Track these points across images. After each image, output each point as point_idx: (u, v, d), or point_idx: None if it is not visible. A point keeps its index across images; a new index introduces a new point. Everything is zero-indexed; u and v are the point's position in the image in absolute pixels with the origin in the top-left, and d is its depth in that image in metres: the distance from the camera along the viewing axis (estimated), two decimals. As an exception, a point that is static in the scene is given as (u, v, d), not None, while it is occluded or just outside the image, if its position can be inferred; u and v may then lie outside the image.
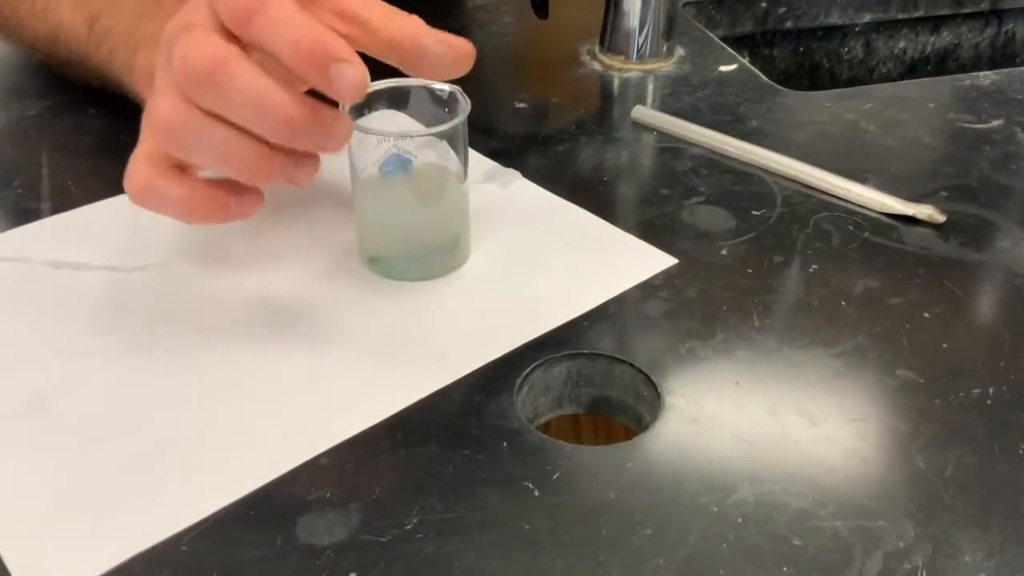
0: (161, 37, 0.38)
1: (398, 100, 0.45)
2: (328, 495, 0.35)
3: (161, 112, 0.36)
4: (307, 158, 0.38)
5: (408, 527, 0.34)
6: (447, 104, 0.45)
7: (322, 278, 0.46)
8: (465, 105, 0.43)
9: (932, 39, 0.94)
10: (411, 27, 0.41)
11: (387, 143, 0.43)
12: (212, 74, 0.35)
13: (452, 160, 0.44)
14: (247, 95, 0.35)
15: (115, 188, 0.53)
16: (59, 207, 0.51)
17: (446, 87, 0.44)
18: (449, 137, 0.43)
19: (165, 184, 0.38)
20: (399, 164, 0.44)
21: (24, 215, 0.51)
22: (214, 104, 0.36)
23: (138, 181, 0.38)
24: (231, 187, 0.39)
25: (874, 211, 0.51)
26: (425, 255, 0.46)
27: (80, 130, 0.59)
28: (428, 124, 0.44)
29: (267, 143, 0.37)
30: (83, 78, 0.59)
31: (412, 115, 0.45)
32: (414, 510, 0.34)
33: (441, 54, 0.39)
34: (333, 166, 0.54)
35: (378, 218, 0.46)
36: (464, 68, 0.40)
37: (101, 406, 0.39)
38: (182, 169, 0.39)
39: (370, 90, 0.43)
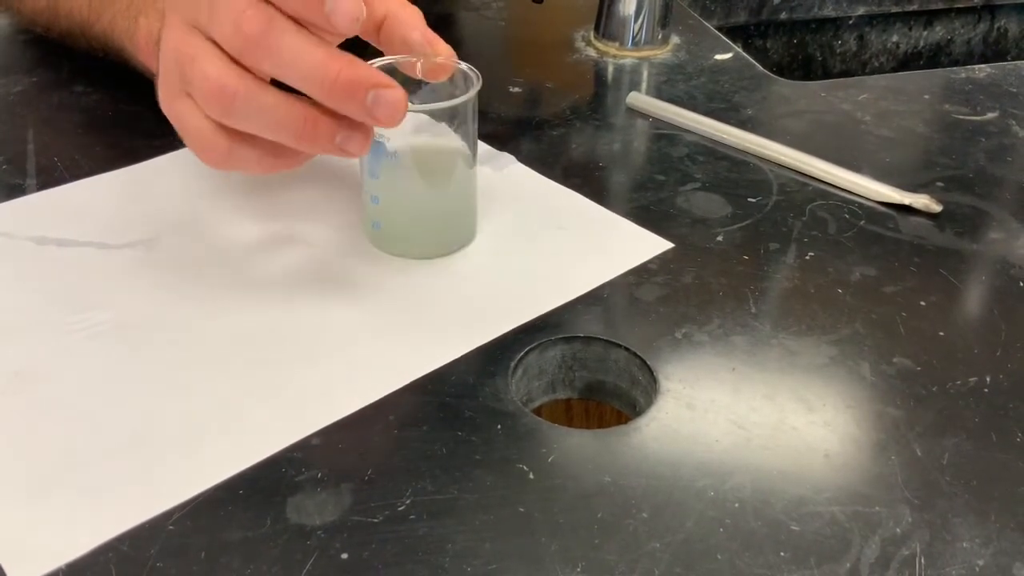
0: (168, 10, 0.38)
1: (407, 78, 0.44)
2: (319, 475, 0.34)
3: (210, 78, 0.36)
4: (357, 127, 0.38)
5: (401, 508, 0.33)
6: (454, 81, 0.44)
7: (315, 259, 0.45)
8: (477, 82, 0.43)
9: (925, 33, 0.94)
10: (407, 17, 0.42)
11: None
12: (264, 35, 0.35)
13: (460, 139, 0.44)
14: (299, 52, 0.35)
15: (102, 165, 0.52)
16: (45, 183, 0.50)
17: (460, 64, 0.44)
18: (460, 114, 0.43)
19: (244, 148, 0.38)
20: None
21: (9, 191, 0.50)
22: (267, 64, 0.36)
23: (220, 148, 0.38)
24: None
25: (870, 200, 0.51)
26: (431, 233, 0.46)
27: (66, 107, 0.58)
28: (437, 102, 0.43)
29: (316, 109, 0.37)
30: (85, 48, 0.59)
31: (423, 92, 0.45)
32: (407, 491, 0.34)
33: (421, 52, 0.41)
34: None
35: (386, 195, 0.45)
36: (439, 77, 0.42)
37: (87, 384, 0.38)
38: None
39: (380, 64, 0.43)
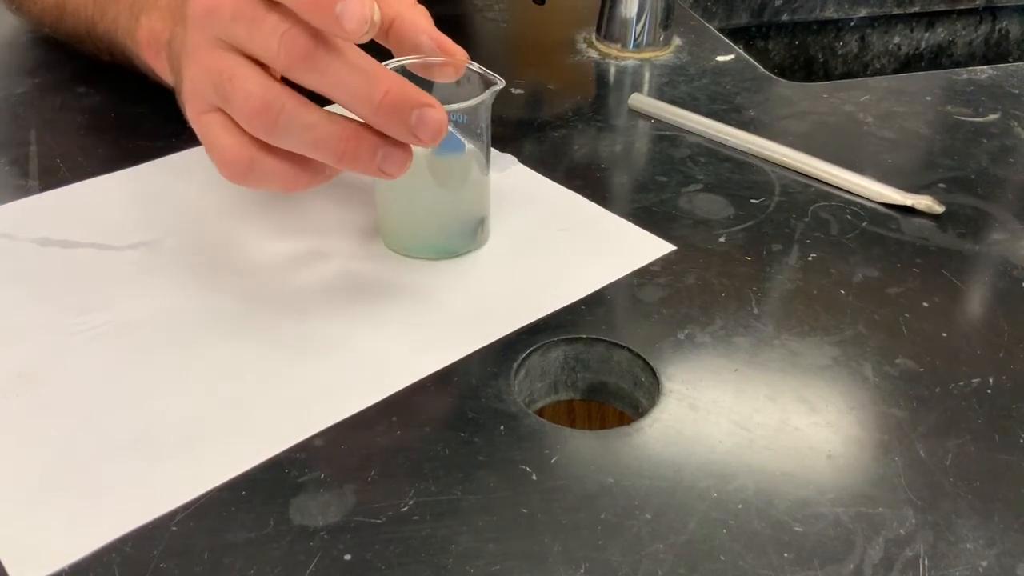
0: (188, 17, 0.38)
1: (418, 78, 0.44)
2: (322, 476, 0.34)
3: (253, 95, 0.36)
4: (397, 147, 0.37)
5: (404, 509, 0.33)
6: (471, 84, 0.44)
7: (317, 259, 0.45)
8: (499, 83, 0.43)
9: (926, 35, 0.94)
10: (415, 19, 0.42)
11: None
12: (312, 52, 0.35)
13: (474, 141, 0.44)
14: (348, 69, 0.35)
15: (104, 166, 0.52)
16: (47, 185, 0.50)
17: (473, 66, 0.44)
18: (476, 116, 0.43)
19: (269, 160, 0.37)
20: (453, 144, 0.43)
21: (12, 192, 0.50)
22: (314, 81, 0.35)
23: (240, 157, 0.37)
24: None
25: (872, 201, 0.51)
26: (446, 236, 0.46)
27: (69, 108, 0.58)
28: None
29: (358, 127, 0.36)
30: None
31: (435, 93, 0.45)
32: (410, 492, 0.34)
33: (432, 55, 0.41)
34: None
35: (399, 198, 0.45)
36: (450, 78, 0.42)
37: (90, 385, 0.38)
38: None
39: (391, 65, 0.43)
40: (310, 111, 0.36)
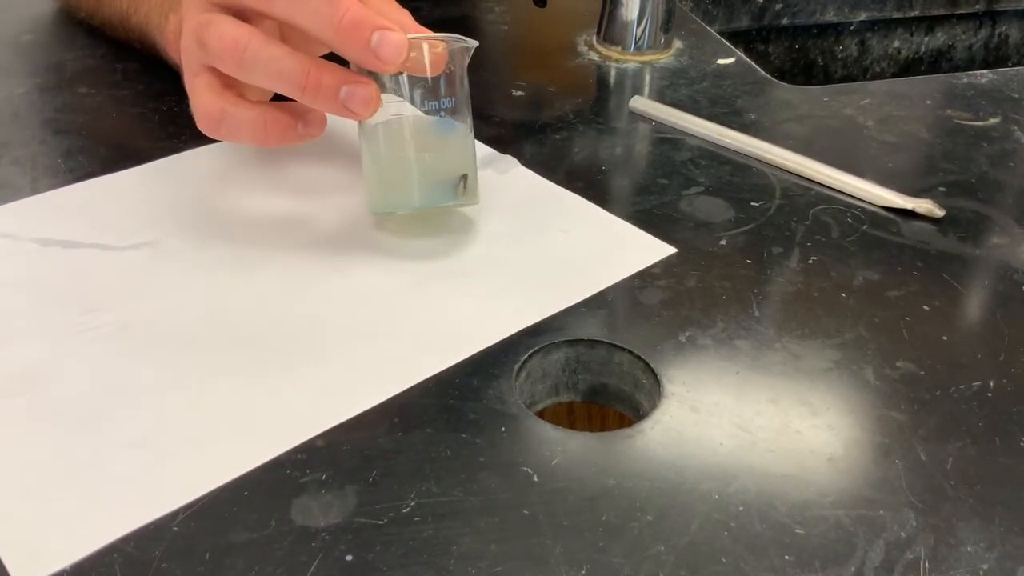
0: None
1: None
2: (324, 477, 0.34)
3: (225, 34, 0.39)
4: (361, 83, 0.40)
5: (405, 510, 0.33)
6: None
7: (319, 261, 0.45)
8: (471, 42, 0.43)
9: (926, 39, 0.94)
10: (400, 19, 0.43)
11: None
12: None
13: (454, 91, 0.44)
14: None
15: (105, 166, 0.52)
16: (48, 185, 0.50)
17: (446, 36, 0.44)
18: (452, 70, 0.43)
19: (238, 110, 0.41)
20: (446, 126, 0.44)
21: (12, 192, 0.50)
22: (279, 6, 0.39)
23: (213, 110, 0.41)
24: (295, 110, 0.42)
25: (873, 204, 0.51)
26: (427, 190, 0.45)
27: (70, 109, 0.58)
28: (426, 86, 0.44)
29: (318, 60, 0.39)
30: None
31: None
32: (411, 493, 0.34)
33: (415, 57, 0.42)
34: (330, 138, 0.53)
35: (381, 153, 0.45)
36: (438, 69, 0.43)
37: (91, 385, 0.38)
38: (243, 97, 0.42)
39: None
40: (275, 46, 0.39)
